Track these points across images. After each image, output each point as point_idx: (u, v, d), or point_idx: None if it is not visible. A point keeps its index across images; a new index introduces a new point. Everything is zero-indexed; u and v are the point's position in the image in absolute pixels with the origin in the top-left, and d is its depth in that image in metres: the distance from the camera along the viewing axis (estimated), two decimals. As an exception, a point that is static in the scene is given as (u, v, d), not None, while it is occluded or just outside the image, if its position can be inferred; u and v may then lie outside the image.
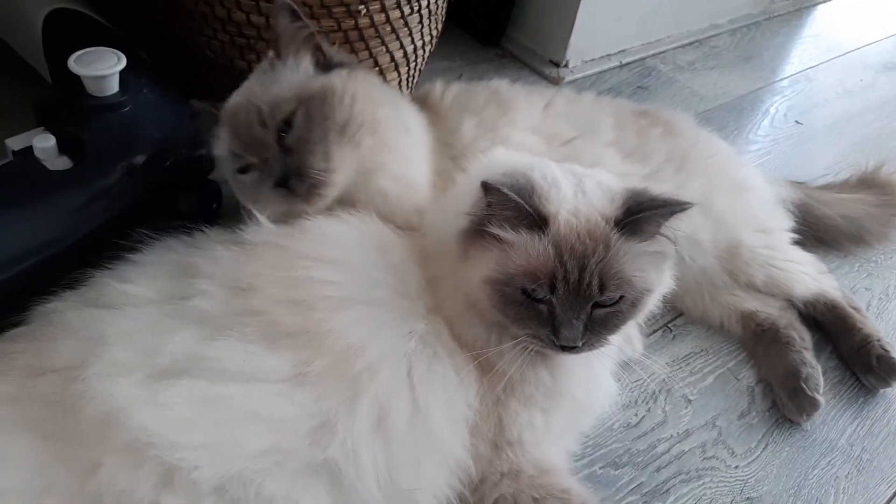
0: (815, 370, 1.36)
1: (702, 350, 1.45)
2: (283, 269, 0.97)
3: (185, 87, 1.35)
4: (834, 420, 1.36)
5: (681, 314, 1.51)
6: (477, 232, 0.98)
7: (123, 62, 1.24)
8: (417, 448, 0.94)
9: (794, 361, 1.36)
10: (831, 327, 1.49)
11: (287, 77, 1.14)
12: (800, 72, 2.49)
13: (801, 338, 1.41)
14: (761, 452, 1.28)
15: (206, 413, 0.84)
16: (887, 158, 1.80)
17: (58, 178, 1.18)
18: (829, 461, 1.28)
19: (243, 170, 1.12)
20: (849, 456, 1.30)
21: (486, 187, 0.93)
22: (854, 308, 1.49)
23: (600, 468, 1.21)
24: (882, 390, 1.42)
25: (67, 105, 1.25)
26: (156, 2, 1.55)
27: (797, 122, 2.22)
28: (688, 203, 0.97)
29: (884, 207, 1.74)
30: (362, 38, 1.53)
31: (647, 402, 1.32)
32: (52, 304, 0.96)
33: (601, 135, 1.46)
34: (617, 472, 1.21)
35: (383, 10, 1.51)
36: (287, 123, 1.08)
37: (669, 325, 1.49)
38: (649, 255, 0.99)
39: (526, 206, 0.93)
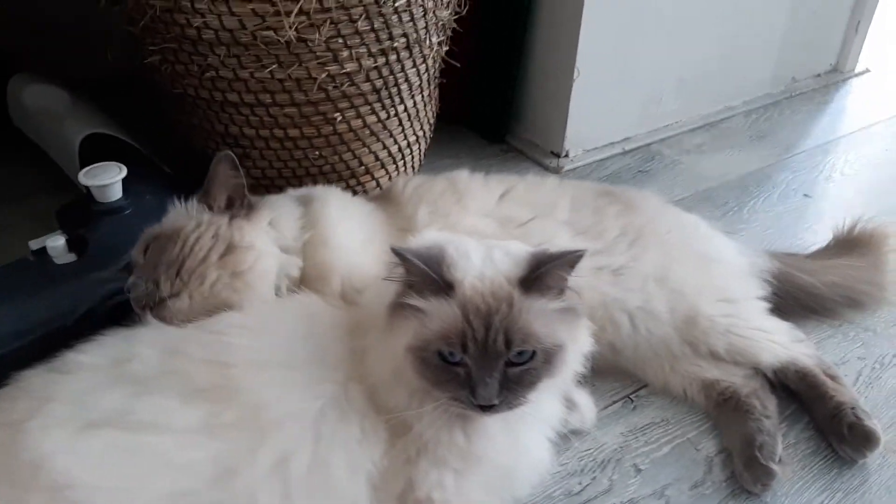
0: (773, 438, 1.32)
1: (662, 420, 1.45)
2: (208, 334, 1.12)
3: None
4: (799, 492, 1.30)
5: (645, 386, 1.52)
6: (400, 304, 1.09)
7: (124, 173, 1.48)
8: (315, 495, 1.02)
9: (751, 429, 1.34)
10: (805, 396, 1.45)
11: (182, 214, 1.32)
12: (817, 146, 2.48)
13: (764, 406, 1.39)
14: (711, 523, 1.25)
15: (122, 460, 0.98)
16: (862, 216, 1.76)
17: (62, 269, 1.40)
18: (786, 533, 1.24)
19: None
20: (810, 529, 1.24)
21: (395, 252, 1.04)
22: (830, 375, 1.45)
23: (532, 535, 1.22)
24: (861, 461, 1.35)
25: (80, 211, 1.50)
26: (174, 123, 1.82)
27: (805, 195, 2.20)
28: (579, 250, 1.06)
29: (870, 269, 1.70)
30: (343, 142, 1.73)
31: (594, 471, 1.33)
32: (27, 371, 1.14)
33: (556, 214, 1.55)
34: (551, 539, 1.22)
35: (359, 116, 1.71)
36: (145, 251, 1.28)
37: (631, 396, 1.50)
38: (556, 311, 1.07)
39: (431, 273, 1.03)
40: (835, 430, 1.37)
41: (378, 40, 1.59)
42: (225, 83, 1.58)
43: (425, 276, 1.03)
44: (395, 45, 1.62)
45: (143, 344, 1.12)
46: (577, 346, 1.13)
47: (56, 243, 1.42)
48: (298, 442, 1.04)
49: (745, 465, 1.30)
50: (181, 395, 1.04)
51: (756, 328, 1.50)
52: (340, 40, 1.53)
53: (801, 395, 1.46)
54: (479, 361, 1.01)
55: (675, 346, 1.47)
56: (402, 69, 1.70)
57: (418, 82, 1.78)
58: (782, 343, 1.49)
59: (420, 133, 1.93)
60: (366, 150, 1.78)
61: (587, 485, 1.31)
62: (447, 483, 1.10)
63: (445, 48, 1.88)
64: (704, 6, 2.34)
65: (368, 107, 1.69)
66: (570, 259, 1.05)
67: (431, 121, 2.00)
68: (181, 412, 1.02)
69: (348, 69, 1.59)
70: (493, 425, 1.13)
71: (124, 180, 1.50)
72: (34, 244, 1.45)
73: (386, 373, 1.11)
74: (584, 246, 1.46)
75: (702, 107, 2.61)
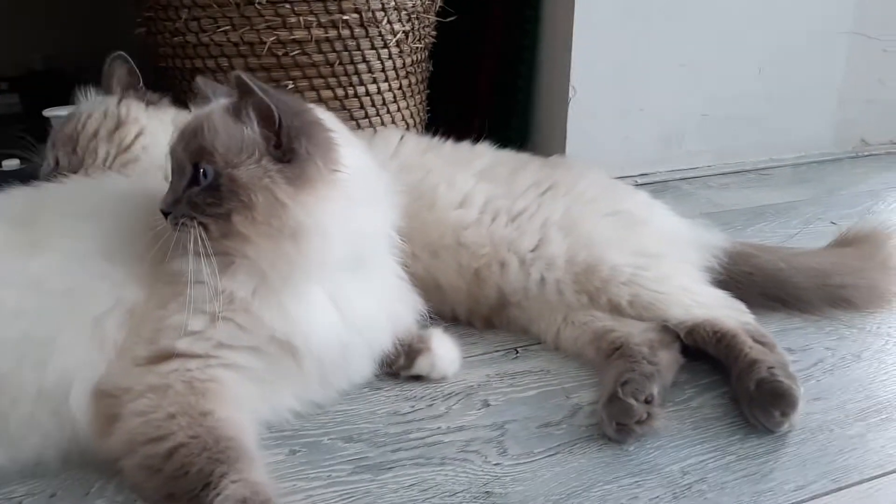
0: (645, 379, 1.09)
1: (542, 370, 1.24)
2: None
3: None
4: (676, 448, 1.04)
5: (540, 343, 1.33)
6: None
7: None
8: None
9: (623, 368, 1.12)
10: (722, 360, 1.19)
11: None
12: (870, 190, 2.18)
13: (652, 354, 1.16)
14: (544, 458, 1.02)
15: None
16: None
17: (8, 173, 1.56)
18: (637, 482, 0.97)
19: None
20: (671, 483, 0.97)
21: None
22: (759, 340, 1.19)
23: (329, 439, 1.06)
24: (776, 430, 1.06)
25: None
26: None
27: (833, 222, 1.91)
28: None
29: (868, 263, 1.42)
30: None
31: (435, 399, 1.16)
32: None
33: (472, 164, 1.48)
34: (346, 445, 1.05)
35: (313, 88, 1.79)
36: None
37: (518, 348, 1.31)
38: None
39: None
40: (743, 390, 1.11)
41: (327, 11, 1.70)
42: (191, 49, 1.74)
43: None
44: (346, 18, 1.72)
45: None
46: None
47: (11, 162, 1.59)
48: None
49: (604, 404, 1.08)
50: None
51: (672, 284, 1.28)
52: (288, 5, 1.66)
53: (720, 359, 1.20)
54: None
55: (570, 295, 1.29)
56: (359, 48, 1.78)
57: (380, 67, 1.85)
58: (702, 303, 1.26)
59: (394, 127, 1.96)
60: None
61: (420, 409, 1.14)
62: (193, 332, 0.99)
63: (422, 46, 1.95)
64: (731, 36, 2.24)
65: (322, 80, 1.77)
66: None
67: (415, 121, 2.03)
68: None
69: (297, 36, 1.70)
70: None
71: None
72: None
73: None
74: (483, 189, 1.40)
75: (737, 153, 2.42)
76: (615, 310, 1.27)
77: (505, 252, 1.33)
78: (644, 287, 1.27)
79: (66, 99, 2.14)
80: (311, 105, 1.08)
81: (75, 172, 1.32)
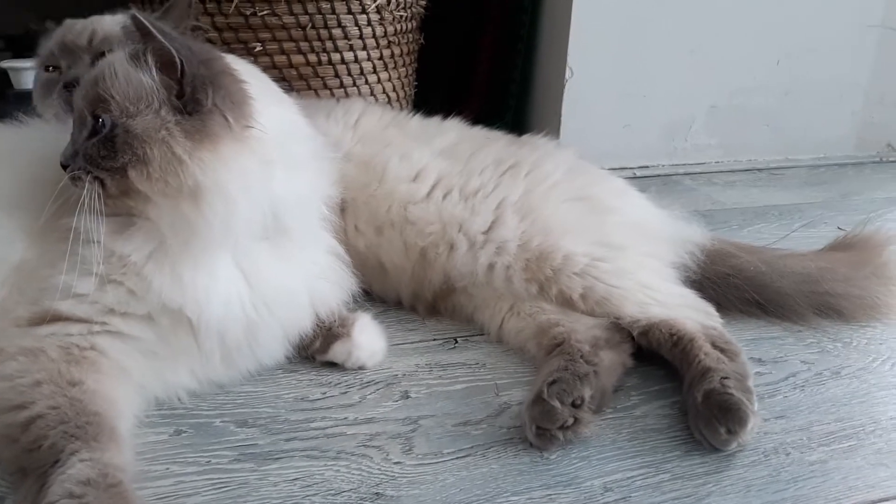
0: (576, 380, 0.97)
1: (476, 363, 1.13)
2: None
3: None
4: (603, 461, 0.92)
5: (483, 334, 1.21)
6: None
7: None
8: None
9: (554, 366, 1.00)
10: (677, 366, 1.06)
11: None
12: (888, 197, 2.00)
13: (592, 353, 1.04)
14: (451, 460, 0.91)
15: None
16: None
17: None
18: (549, 495, 0.85)
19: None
20: (589, 499, 0.85)
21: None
22: (719, 347, 1.06)
23: (222, 421, 0.97)
24: (722, 448, 0.93)
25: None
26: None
27: (839, 227, 1.75)
28: None
29: (861, 267, 1.27)
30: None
31: (350, 387, 1.05)
32: None
33: (435, 142, 1.37)
34: (238, 429, 0.95)
35: (283, 52, 1.69)
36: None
37: (458, 338, 1.20)
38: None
39: None
40: (690, 400, 0.98)
41: (297, -31, 1.60)
42: (157, 4, 1.66)
43: None
44: (318, -21, 1.62)
45: None
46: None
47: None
48: None
49: (528, 402, 0.96)
50: None
51: (632, 279, 1.16)
52: (254, -41, 1.56)
53: (675, 364, 1.07)
54: None
55: (519, 283, 1.17)
56: (333, 11, 1.68)
57: (358, 34, 1.74)
58: (661, 301, 1.14)
59: (373, 99, 1.85)
60: (294, 93, 1.74)
61: (331, 396, 1.03)
62: (80, 293, 0.90)
63: (408, 15, 1.85)
64: (748, 21, 2.08)
65: (293, 44, 1.68)
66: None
67: (399, 95, 1.92)
68: None
69: (266, -6, 1.60)
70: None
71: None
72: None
73: None
74: (439, 165, 1.29)
75: (748, 150, 2.25)
76: (566, 303, 1.15)
77: (454, 232, 1.21)
78: (599, 280, 1.15)
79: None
80: (224, 54, 0.97)
81: None
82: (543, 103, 2.12)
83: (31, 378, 0.85)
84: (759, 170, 2.23)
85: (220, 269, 0.96)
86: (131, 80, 0.91)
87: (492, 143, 1.38)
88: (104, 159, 0.89)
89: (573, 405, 0.93)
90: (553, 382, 0.95)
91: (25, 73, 1.58)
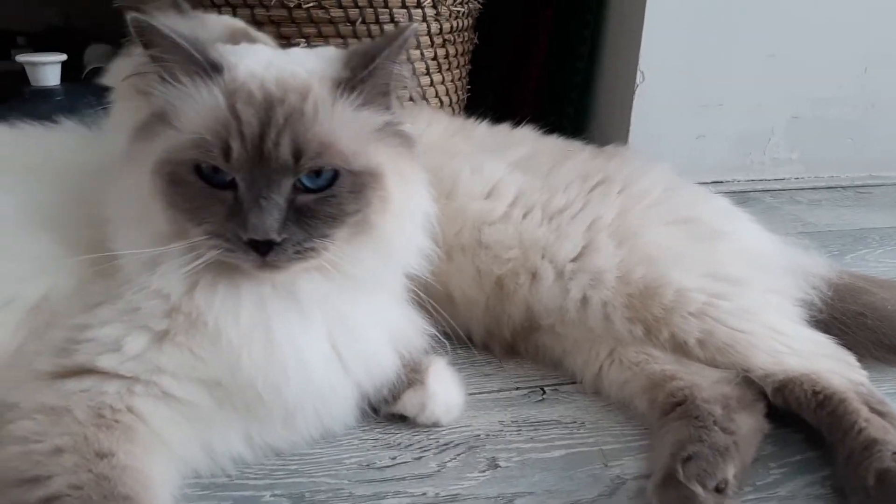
0: (716, 456, 0.78)
1: (573, 421, 0.94)
2: None
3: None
4: (757, 561, 0.72)
5: (574, 383, 1.02)
6: (146, 124, 0.77)
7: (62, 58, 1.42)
8: None
9: (687, 436, 0.81)
10: (826, 431, 0.86)
11: None
12: None
13: (727, 418, 0.84)
14: (563, 558, 0.72)
15: None
16: None
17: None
18: None
19: None
20: None
21: (138, 25, 0.72)
22: (876, 410, 0.86)
23: (273, 495, 0.78)
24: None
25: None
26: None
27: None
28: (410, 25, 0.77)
29: None
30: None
31: (425, 451, 0.87)
32: None
33: (508, 153, 1.18)
34: (293, 506, 0.77)
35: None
36: None
37: (545, 388, 1.01)
38: (378, 129, 0.76)
39: (187, 47, 0.72)
40: (855, 478, 0.78)
41: (349, -39, 1.43)
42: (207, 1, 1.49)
43: (181, 53, 0.73)
44: (371, -28, 1.45)
45: None
46: (409, 189, 0.79)
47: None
48: None
49: (658, 483, 0.77)
50: None
51: (758, 321, 0.96)
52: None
53: (822, 430, 0.87)
54: (252, 175, 0.70)
55: (621, 324, 0.98)
56: (386, 5, 1.51)
57: (413, 31, 1.56)
58: (798, 349, 0.94)
59: (424, 104, 1.68)
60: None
61: (402, 463, 0.84)
62: (129, 350, 0.73)
63: (465, 11, 1.68)
64: (833, 25, 1.88)
65: (341, 39, 1.50)
66: (398, 40, 0.74)
67: (451, 99, 1.75)
68: None
69: (314, -13, 1.43)
70: (264, 304, 0.76)
71: (75, 82, 1.44)
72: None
73: (128, 213, 0.77)
74: (516, 180, 1.11)
75: (831, 166, 2.05)
76: (679, 349, 0.96)
77: (537, 259, 1.03)
78: (719, 322, 0.95)
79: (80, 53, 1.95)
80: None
81: None
82: (608, 110, 1.93)
83: (50, 443, 0.68)
84: (842, 187, 2.03)
85: (315, 327, 0.78)
86: (345, 115, 0.74)
87: (574, 155, 1.19)
88: (347, 215, 0.73)
89: (717, 490, 0.74)
90: (688, 459, 0.76)
91: (44, 68, 1.41)
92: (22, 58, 1.41)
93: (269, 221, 0.68)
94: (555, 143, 1.27)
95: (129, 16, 0.74)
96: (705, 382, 0.90)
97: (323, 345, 0.78)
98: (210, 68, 0.73)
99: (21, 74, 2.13)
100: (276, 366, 0.74)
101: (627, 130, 1.84)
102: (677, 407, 0.88)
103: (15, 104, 1.44)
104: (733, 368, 0.93)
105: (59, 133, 0.93)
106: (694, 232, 1.07)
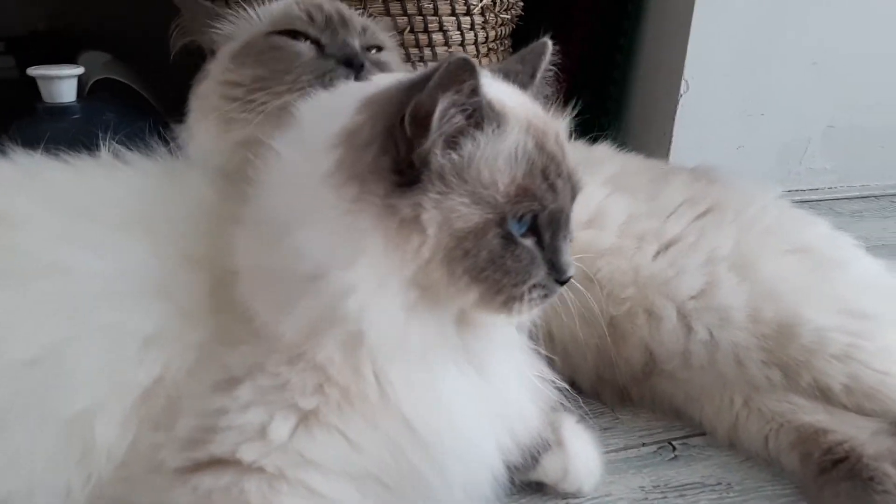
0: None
1: (718, 482, 0.85)
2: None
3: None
4: None
5: (702, 434, 0.93)
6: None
7: (78, 71, 1.28)
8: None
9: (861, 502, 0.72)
10: None
11: None
12: None
13: (905, 478, 0.76)
14: None
15: None
16: None
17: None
18: None
19: None
20: None
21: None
22: None
23: None
24: None
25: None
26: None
27: None
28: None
29: None
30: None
31: (570, 526, 0.77)
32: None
33: (601, 170, 1.09)
34: None
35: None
36: None
37: (674, 442, 0.92)
38: None
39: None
40: None
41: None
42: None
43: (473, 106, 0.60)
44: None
45: None
46: None
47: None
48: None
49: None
50: None
51: (906, 361, 0.89)
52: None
53: None
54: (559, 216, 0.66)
55: (756, 368, 0.90)
56: (436, 12, 1.40)
57: (459, 40, 1.46)
58: (955, 392, 0.86)
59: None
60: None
61: (547, 543, 0.74)
62: (274, 437, 0.61)
63: (509, 17, 1.58)
64: (880, 29, 1.83)
65: (387, 50, 1.38)
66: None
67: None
68: None
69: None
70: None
71: (92, 98, 1.29)
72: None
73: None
74: (622, 202, 1.01)
75: (863, 175, 2.01)
76: (821, 393, 0.88)
77: (655, 296, 0.93)
78: (865, 365, 0.88)
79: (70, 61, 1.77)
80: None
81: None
82: (648, 121, 1.85)
83: None
84: (875, 197, 1.99)
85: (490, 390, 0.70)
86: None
87: (670, 177, 1.10)
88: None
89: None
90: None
91: (60, 83, 1.26)
92: (34, 71, 1.25)
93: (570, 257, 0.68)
94: (640, 161, 1.19)
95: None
96: (863, 435, 0.83)
97: (493, 410, 0.67)
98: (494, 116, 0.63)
99: (5, 85, 1.96)
100: (456, 443, 0.63)
101: (669, 142, 1.77)
102: (838, 464, 0.80)
103: (25, 123, 1.28)
104: (882, 416, 0.85)
105: (134, 170, 0.78)
106: (812, 262, 0.99)
